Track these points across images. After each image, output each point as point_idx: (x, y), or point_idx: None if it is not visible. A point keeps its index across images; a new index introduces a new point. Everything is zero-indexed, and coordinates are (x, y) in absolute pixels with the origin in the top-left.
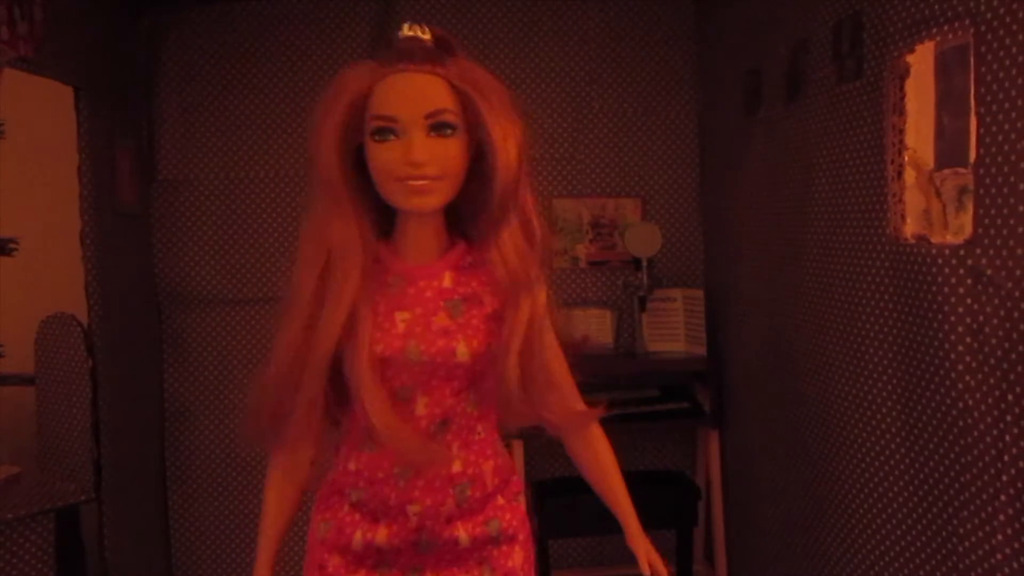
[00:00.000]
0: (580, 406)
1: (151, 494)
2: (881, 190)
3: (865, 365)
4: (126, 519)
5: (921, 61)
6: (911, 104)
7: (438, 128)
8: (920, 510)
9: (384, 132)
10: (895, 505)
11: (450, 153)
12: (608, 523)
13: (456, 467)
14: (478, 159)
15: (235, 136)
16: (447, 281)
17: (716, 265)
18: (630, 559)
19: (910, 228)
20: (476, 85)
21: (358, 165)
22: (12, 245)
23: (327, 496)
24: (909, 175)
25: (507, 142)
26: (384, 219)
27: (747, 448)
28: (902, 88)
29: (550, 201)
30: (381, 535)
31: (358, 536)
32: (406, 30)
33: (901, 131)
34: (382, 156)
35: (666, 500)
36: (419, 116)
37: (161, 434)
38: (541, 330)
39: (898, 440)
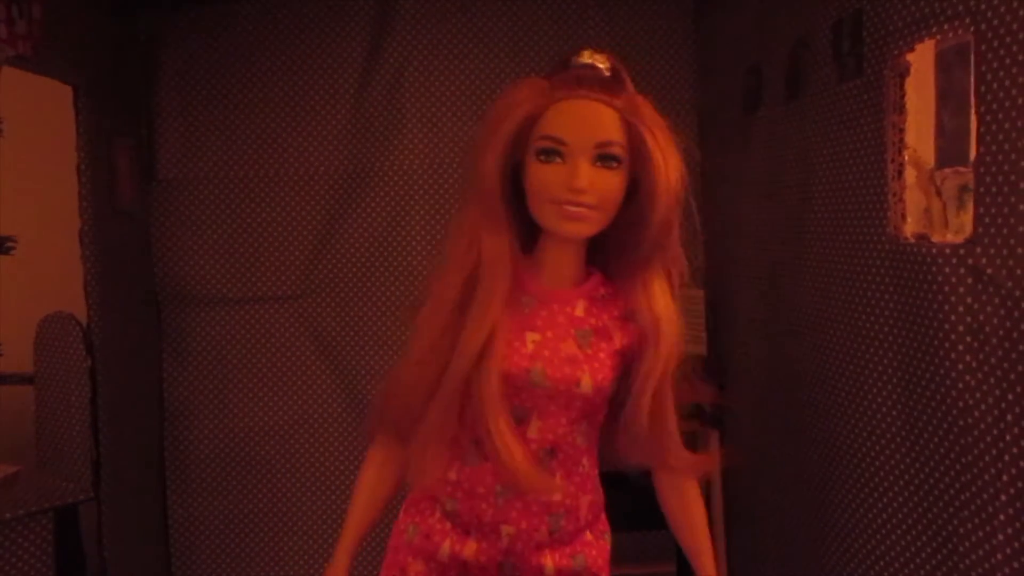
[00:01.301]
0: (690, 453)
1: (150, 493)
2: (881, 189)
3: (865, 364)
4: (125, 518)
5: (921, 60)
6: (911, 103)
7: (604, 159)
8: (920, 510)
9: (551, 153)
10: (895, 505)
11: (611, 185)
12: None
13: (556, 496)
14: (631, 194)
15: (234, 135)
16: (579, 310)
17: (716, 265)
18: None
19: (910, 227)
20: (645, 122)
21: (512, 181)
22: (10, 244)
23: (418, 499)
24: (909, 174)
25: (669, 184)
26: (525, 236)
27: (747, 448)
28: (902, 87)
29: None
30: (470, 549)
31: (446, 546)
32: (585, 57)
33: (901, 130)
34: (545, 177)
35: None
36: (589, 144)
37: (160, 433)
38: (671, 375)
39: (898, 440)
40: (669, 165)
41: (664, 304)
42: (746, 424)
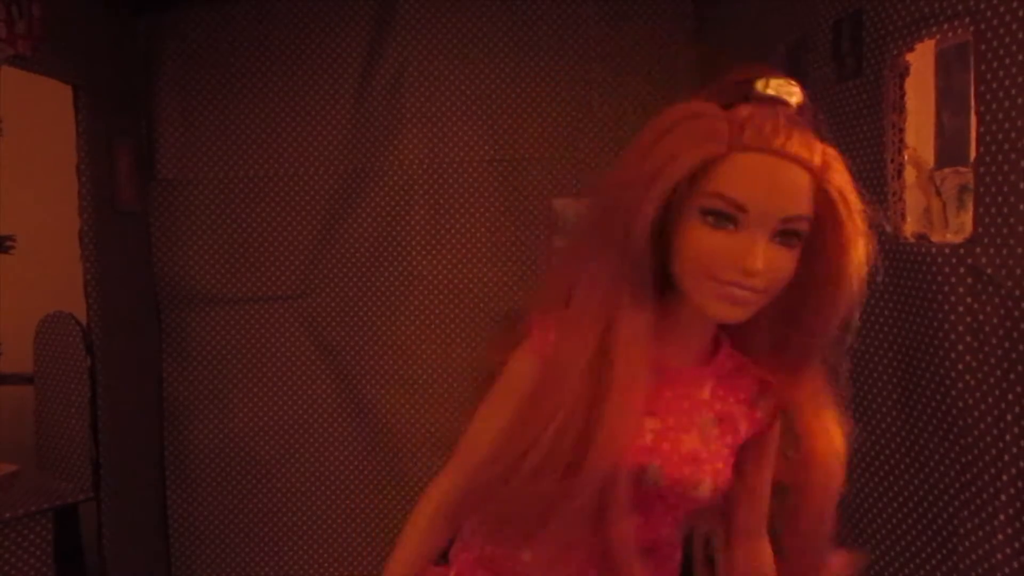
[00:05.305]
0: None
1: (150, 493)
2: (881, 189)
3: (865, 364)
4: (125, 518)
5: (921, 59)
6: (911, 102)
7: (786, 236)
8: (920, 510)
9: (722, 218)
10: (895, 504)
11: (786, 266)
12: None
13: None
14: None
15: (235, 135)
16: (706, 392)
17: None
18: None
19: (910, 227)
20: (842, 194)
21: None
22: (9, 243)
23: (472, 566)
24: (909, 174)
25: (858, 276)
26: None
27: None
28: (902, 86)
29: (550, 201)
30: None
31: None
32: (773, 88)
33: (901, 129)
34: (710, 245)
35: None
36: (774, 217)
37: (160, 433)
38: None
39: (898, 439)
40: (861, 257)
41: (836, 427)
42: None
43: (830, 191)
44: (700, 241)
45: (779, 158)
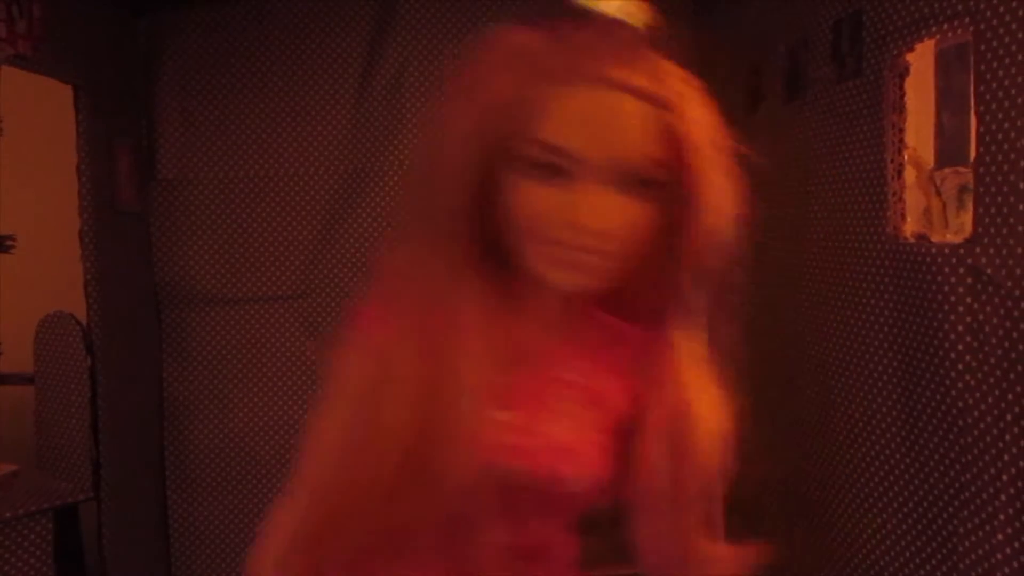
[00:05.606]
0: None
1: (150, 493)
2: (881, 189)
3: (864, 364)
4: (125, 518)
5: (921, 59)
6: (911, 102)
7: (633, 184)
8: (920, 510)
9: (551, 170)
10: (895, 504)
11: (636, 221)
12: None
13: None
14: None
15: (235, 135)
16: (568, 370)
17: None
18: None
19: (910, 227)
20: (695, 129)
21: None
22: (10, 242)
23: None
24: (909, 174)
25: (719, 222)
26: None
27: (746, 447)
28: (902, 86)
29: None
30: None
31: None
32: (614, 6)
33: (901, 129)
34: (537, 203)
35: None
36: (612, 163)
37: (160, 433)
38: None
39: (898, 440)
40: (725, 196)
41: (714, 404)
42: (746, 423)
43: (678, 126)
44: (528, 199)
45: (616, 92)
